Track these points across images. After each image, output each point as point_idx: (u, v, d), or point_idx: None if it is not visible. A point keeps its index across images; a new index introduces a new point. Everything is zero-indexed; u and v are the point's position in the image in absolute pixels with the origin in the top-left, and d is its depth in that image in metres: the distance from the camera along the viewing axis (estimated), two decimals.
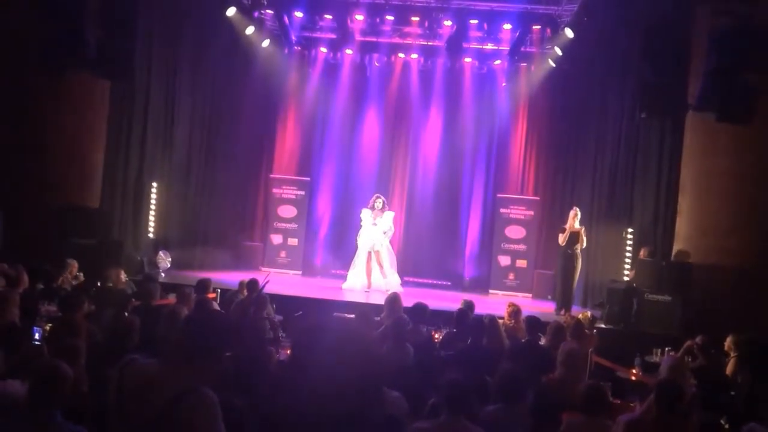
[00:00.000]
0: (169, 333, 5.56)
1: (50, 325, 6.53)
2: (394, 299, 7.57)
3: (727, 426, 5.28)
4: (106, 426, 2.78)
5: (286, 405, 1.89)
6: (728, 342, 7.38)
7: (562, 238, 11.40)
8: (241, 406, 3.37)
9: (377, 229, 12.18)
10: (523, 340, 7.01)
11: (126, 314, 6.59)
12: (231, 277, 9.67)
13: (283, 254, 14.23)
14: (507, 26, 12.98)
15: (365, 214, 12.26)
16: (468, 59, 13.95)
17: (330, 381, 1.85)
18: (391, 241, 12.78)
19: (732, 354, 7.29)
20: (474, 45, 13.63)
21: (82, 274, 8.92)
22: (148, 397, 2.57)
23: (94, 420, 3.90)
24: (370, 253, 12.14)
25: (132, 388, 2.63)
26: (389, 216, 12.42)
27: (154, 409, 2.53)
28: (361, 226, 12.35)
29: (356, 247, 12.46)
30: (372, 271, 12.16)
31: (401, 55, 14.22)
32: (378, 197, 12.38)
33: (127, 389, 2.64)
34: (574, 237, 11.33)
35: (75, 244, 9.83)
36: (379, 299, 10.11)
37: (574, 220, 11.37)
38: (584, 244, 11.38)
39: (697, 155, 10.16)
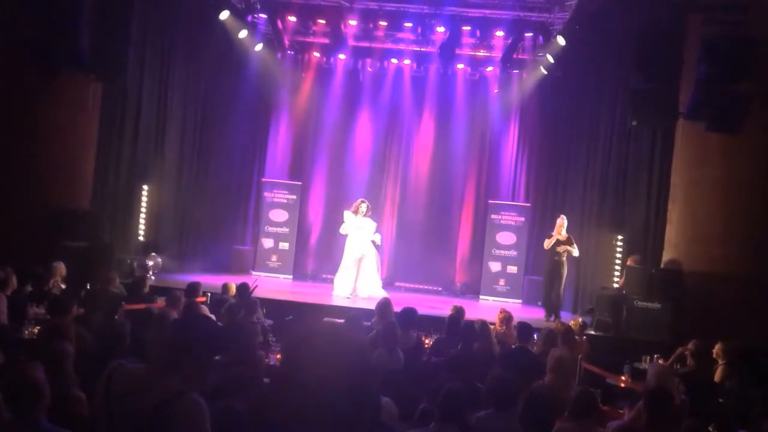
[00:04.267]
0: (158, 337, 5.54)
1: (38, 327, 6.50)
2: (385, 304, 7.58)
3: None
4: (94, 431, 2.76)
5: (277, 411, 1.89)
6: (717, 349, 7.42)
7: (547, 243, 11.46)
8: (238, 412, 3.37)
9: (364, 234, 11.88)
10: (513, 346, 7.03)
11: (116, 318, 6.56)
12: (221, 281, 9.64)
13: (274, 258, 14.20)
14: (499, 33, 13.05)
15: (348, 217, 11.92)
16: (460, 65, 14.02)
17: (321, 387, 1.84)
18: (382, 245, 12.75)
19: (721, 361, 7.33)
20: (466, 51, 13.69)
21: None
22: (136, 402, 2.55)
23: (83, 423, 3.88)
24: (358, 259, 11.86)
25: (119, 392, 2.61)
26: (372, 225, 12.01)
27: (141, 414, 2.52)
28: (346, 232, 11.99)
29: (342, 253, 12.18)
30: (358, 278, 11.88)
31: (394, 60, 14.26)
32: (363, 202, 12.05)
33: (114, 394, 2.62)
34: (563, 244, 11.37)
35: (65, 246, 9.77)
36: (368, 304, 10.13)
37: (561, 227, 11.44)
38: (576, 253, 11.42)
39: (688, 163, 10.20)
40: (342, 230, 12.03)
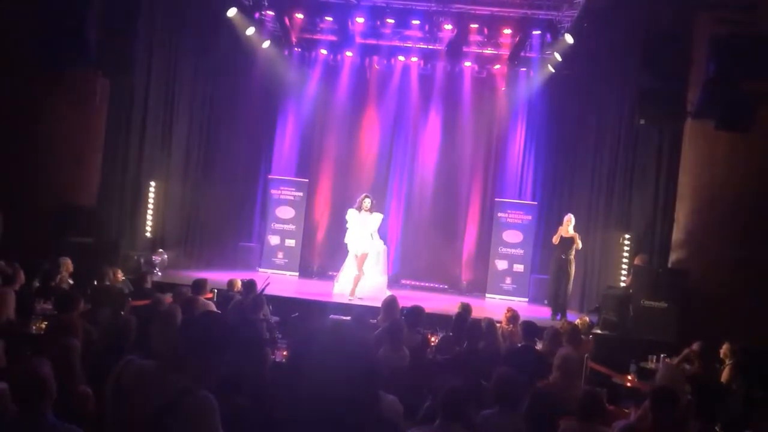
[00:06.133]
0: (165, 333, 5.56)
1: (45, 323, 6.53)
2: (391, 302, 7.56)
3: None
4: (103, 426, 2.78)
5: (283, 407, 1.89)
6: (724, 349, 7.40)
7: (555, 238, 11.45)
8: (245, 408, 3.37)
9: (366, 232, 11.46)
10: (519, 345, 7.02)
11: (122, 313, 6.59)
12: (228, 277, 9.66)
13: (280, 255, 14.21)
14: (507, 31, 13.00)
15: (351, 215, 11.56)
16: (468, 63, 13.99)
17: (326, 384, 1.85)
18: (388, 243, 12.67)
19: (727, 361, 7.31)
20: (474, 49, 13.67)
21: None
22: (146, 398, 2.56)
23: (91, 418, 3.90)
24: (359, 257, 11.36)
25: (129, 389, 2.62)
26: (378, 218, 11.66)
27: (151, 411, 2.52)
28: (347, 228, 11.60)
29: (347, 251, 11.75)
30: (361, 278, 11.36)
31: (401, 58, 14.24)
32: (366, 196, 11.64)
33: (124, 390, 2.63)
34: (568, 242, 11.35)
35: (72, 242, 9.81)
36: (372, 302, 10.10)
37: (568, 225, 11.41)
38: (579, 246, 11.37)
39: (696, 163, 10.17)
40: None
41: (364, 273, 11.43)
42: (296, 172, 14.73)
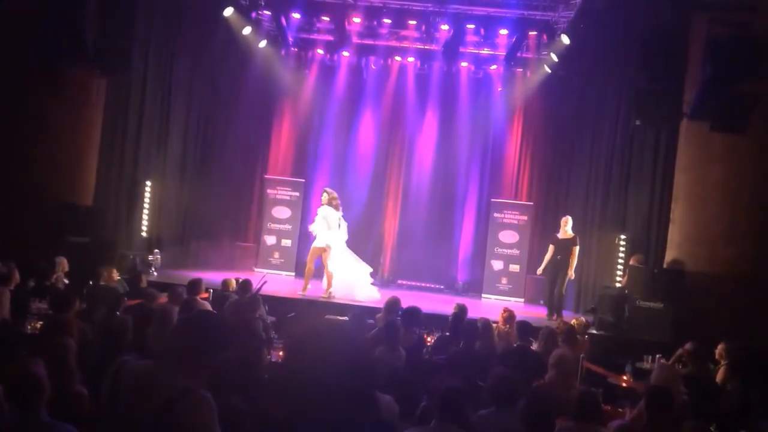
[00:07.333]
0: (161, 333, 5.55)
1: (41, 323, 6.50)
2: (393, 302, 7.57)
3: None
4: (101, 426, 2.77)
5: (279, 407, 1.89)
6: (719, 349, 7.40)
7: (549, 254, 11.49)
8: (241, 407, 3.37)
9: (325, 230, 10.89)
10: (515, 345, 7.02)
11: (118, 313, 6.57)
12: (224, 277, 9.64)
13: (276, 255, 14.22)
14: (503, 31, 13.04)
15: (323, 211, 10.95)
16: (464, 63, 14.01)
17: (322, 384, 1.85)
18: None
19: (723, 361, 7.31)
20: (470, 49, 13.69)
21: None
22: (143, 398, 2.56)
23: (87, 418, 3.88)
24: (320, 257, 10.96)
25: (126, 389, 2.62)
26: (332, 215, 10.88)
27: (149, 411, 2.52)
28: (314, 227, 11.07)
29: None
30: (332, 277, 11.00)
31: (398, 58, 14.26)
32: (323, 191, 11.07)
33: (122, 390, 2.63)
34: (565, 243, 11.37)
35: (68, 242, 9.79)
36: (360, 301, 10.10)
37: (565, 226, 11.45)
38: (576, 256, 11.38)
39: (691, 163, 10.18)
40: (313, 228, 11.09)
41: (333, 272, 10.99)
42: (292, 172, 14.74)
